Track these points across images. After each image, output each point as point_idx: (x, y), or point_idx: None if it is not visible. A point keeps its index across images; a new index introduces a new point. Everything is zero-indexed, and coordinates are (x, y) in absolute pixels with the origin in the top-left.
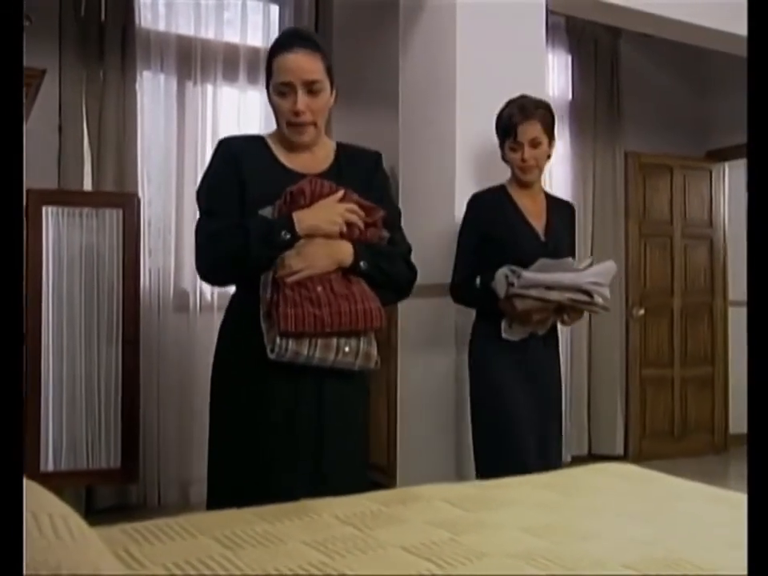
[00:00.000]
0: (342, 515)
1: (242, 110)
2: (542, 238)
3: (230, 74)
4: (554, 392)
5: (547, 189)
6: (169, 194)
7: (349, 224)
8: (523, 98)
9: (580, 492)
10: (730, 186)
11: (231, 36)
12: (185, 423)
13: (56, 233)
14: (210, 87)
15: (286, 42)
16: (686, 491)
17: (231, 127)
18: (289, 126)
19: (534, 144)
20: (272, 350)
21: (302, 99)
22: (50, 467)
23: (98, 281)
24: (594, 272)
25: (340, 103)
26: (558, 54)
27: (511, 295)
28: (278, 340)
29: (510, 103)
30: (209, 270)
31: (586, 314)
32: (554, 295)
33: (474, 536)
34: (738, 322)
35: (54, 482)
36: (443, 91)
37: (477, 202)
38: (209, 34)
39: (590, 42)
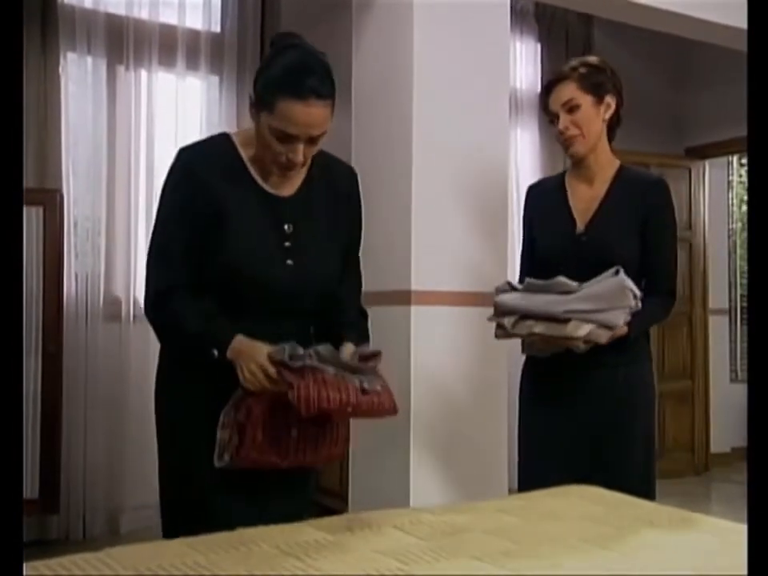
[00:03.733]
0: (284, 545)
1: (179, 98)
2: (579, 230)
3: (167, 59)
4: (605, 428)
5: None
6: (98, 191)
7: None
8: (573, 60)
9: (542, 516)
10: (710, 185)
11: (168, 17)
12: (115, 446)
13: None
14: (143, 72)
15: (298, 85)
16: (655, 515)
17: (168, 117)
18: (277, 164)
19: (570, 108)
20: None
21: (303, 150)
22: None
23: None
24: (584, 295)
25: None
26: (527, 43)
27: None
28: None
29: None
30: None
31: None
32: (521, 328)
33: (426, 565)
34: (719, 332)
35: None
36: (399, 84)
37: (527, 194)
38: (142, 13)
39: (560, 30)
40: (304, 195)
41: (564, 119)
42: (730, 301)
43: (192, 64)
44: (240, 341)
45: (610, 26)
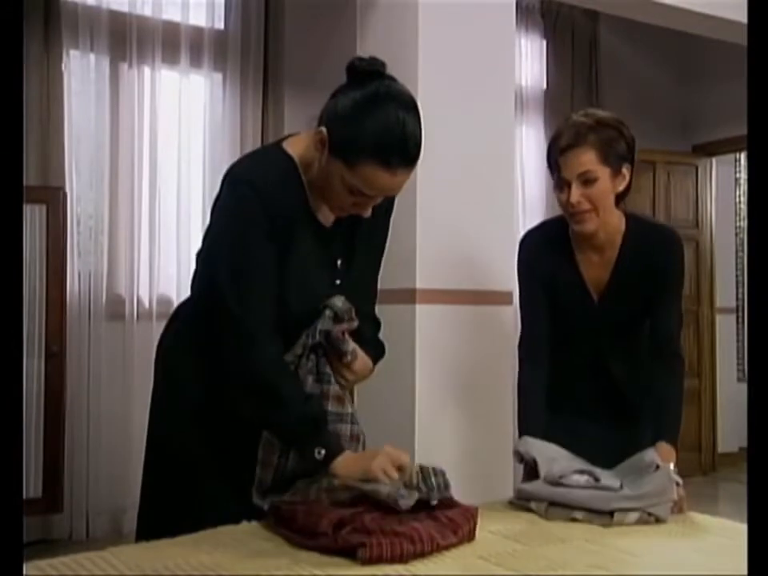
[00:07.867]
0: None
1: (183, 96)
2: (594, 298)
3: (170, 56)
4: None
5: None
6: (101, 189)
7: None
8: (584, 114)
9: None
10: (717, 183)
11: (171, 13)
12: (118, 445)
13: None
14: (147, 70)
15: (390, 156)
16: None
17: (171, 115)
18: (340, 209)
19: (586, 180)
20: None
21: (372, 204)
22: None
23: None
24: (632, 495)
25: (293, 90)
26: (532, 39)
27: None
28: None
29: (565, 121)
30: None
31: None
32: (556, 515)
33: (431, 565)
34: (726, 330)
35: None
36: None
37: (525, 241)
38: (145, 10)
39: (566, 27)
40: (348, 223)
41: (576, 191)
42: (737, 299)
43: (195, 61)
44: (350, 456)
45: (616, 22)
